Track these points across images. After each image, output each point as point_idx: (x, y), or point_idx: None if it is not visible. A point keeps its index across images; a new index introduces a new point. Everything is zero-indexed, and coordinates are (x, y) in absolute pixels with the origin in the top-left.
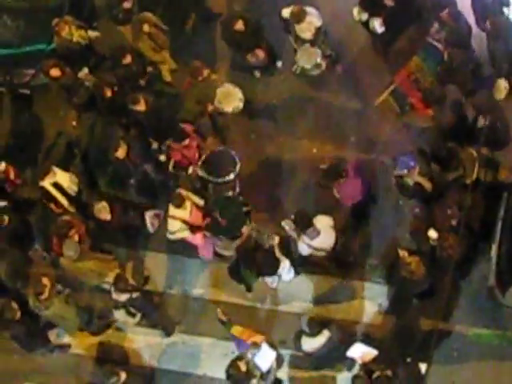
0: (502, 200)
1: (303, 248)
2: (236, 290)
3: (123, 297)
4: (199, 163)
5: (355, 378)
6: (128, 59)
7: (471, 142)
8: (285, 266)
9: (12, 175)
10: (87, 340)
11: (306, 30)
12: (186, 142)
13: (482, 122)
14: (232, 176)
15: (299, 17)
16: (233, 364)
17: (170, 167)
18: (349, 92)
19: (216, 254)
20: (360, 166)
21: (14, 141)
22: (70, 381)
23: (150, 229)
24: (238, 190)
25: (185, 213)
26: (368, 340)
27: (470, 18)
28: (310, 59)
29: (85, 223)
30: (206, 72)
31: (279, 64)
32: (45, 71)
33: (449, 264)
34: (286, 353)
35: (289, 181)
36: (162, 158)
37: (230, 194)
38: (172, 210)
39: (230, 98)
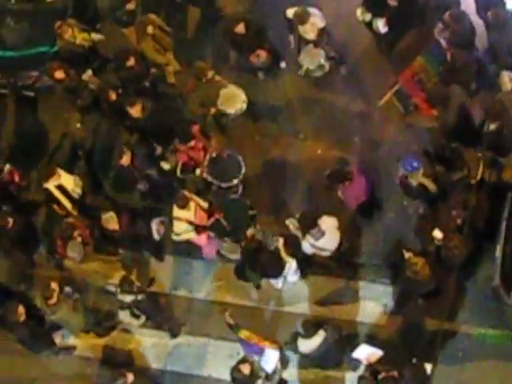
0: (507, 200)
1: (306, 247)
2: (241, 291)
3: (128, 298)
4: (205, 165)
5: (361, 378)
6: (131, 61)
7: (476, 142)
8: (291, 267)
9: (17, 177)
10: (92, 342)
11: (309, 31)
12: (192, 143)
13: (490, 126)
14: (236, 181)
15: (302, 18)
16: (237, 367)
17: (178, 171)
18: (353, 93)
19: (219, 253)
20: (364, 167)
21: (19, 143)
22: (75, 383)
23: (156, 236)
24: (240, 192)
25: (189, 214)
26: (373, 341)
27: (474, 17)
28: (313, 60)
29: (88, 225)
30: (210, 73)
31: (283, 65)
32: (49, 73)
33: (454, 264)
34: (291, 353)
35: (293, 182)
36: (166, 166)
37: (236, 196)
38: (176, 212)
39: (234, 100)
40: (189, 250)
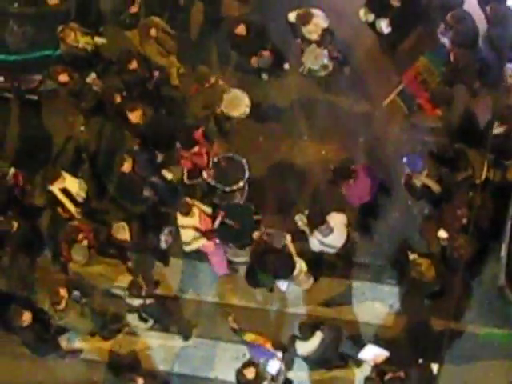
0: (511, 199)
1: (314, 244)
2: (247, 292)
3: (136, 302)
4: (209, 169)
5: (367, 379)
6: (134, 64)
7: (480, 142)
8: (301, 269)
9: (21, 181)
10: (98, 345)
11: (312, 31)
12: (196, 148)
13: (497, 130)
14: (241, 184)
15: (305, 19)
16: (241, 371)
17: (185, 179)
18: (356, 93)
19: (229, 265)
20: (370, 168)
21: (23, 147)
22: None
23: (164, 245)
24: (245, 194)
25: (194, 220)
26: (379, 341)
27: (476, 15)
28: (316, 60)
29: (93, 229)
30: (213, 78)
31: (286, 66)
32: (53, 77)
33: (459, 264)
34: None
35: (298, 183)
36: (169, 176)
37: (240, 201)
38: (181, 220)
39: (238, 104)
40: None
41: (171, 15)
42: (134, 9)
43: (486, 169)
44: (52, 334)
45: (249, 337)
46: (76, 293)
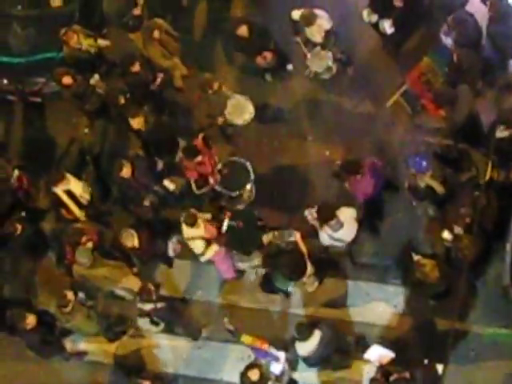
0: None
1: (324, 238)
2: (251, 294)
3: (148, 306)
4: (215, 176)
5: (372, 380)
6: (137, 67)
7: (484, 142)
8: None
9: (25, 183)
10: (104, 347)
11: (316, 33)
12: (199, 158)
13: (502, 133)
14: (248, 187)
15: (309, 20)
16: (245, 373)
17: (194, 189)
18: (360, 94)
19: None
20: (377, 163)
21: (27, 149)
22: None
23: (171, 254)
24: (253, 196)
25: (200, 230)
26: (384, 342)
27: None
28: (321, 63)
29: (97, 231)
30: (216, 85)
31: (290, 67)
32: (56, 79)
33: (463, 264)
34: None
35: (302, 183)
36: (171, 187)
37: (243, 206)
38: (187, 232)
39: (242, 111)
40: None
41: (174, 17)
42: (137, 11)
43: (490, 169)
44: (56, 337)
45: (245, 339)
46: (81, 295)
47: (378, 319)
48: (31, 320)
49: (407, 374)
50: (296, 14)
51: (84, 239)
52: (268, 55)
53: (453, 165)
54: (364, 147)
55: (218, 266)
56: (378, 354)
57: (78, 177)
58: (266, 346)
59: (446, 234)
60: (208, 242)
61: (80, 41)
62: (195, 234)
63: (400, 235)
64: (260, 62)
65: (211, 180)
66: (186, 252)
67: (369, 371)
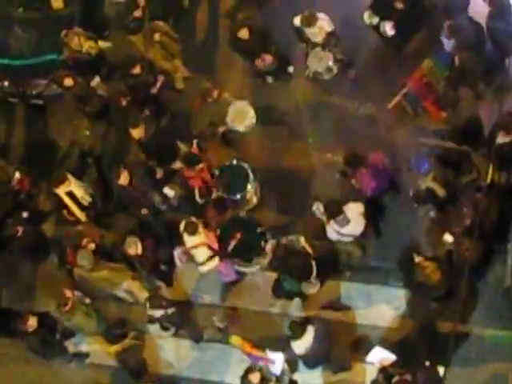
0: None
1: (332, 234)
2: (251, 296)
3: (158, 313)
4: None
5: (374, 382)
6: (137, 69)
7: (485, 145)
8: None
9: (27, 185)
10: (105, 349)
11: (316, 34)
12: (201, 165)
13: (503, 139)
14: (249, 188)
15: (310, 21)
16: (246, 376)
17: (198, 198)
18: (361, 96)
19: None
20: (379, 159)
21: (28, 151)
22: None
23: (178, 264)
24: (259, 195)
25: (201, 238)
26: (386, 344)
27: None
28: (321, 62)
29: (98, 233)
30: (215, 93)
31: (291, 69)
32: (57, 81)
33: (465, 267)
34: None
35: (303, 185)
36: (171, 193)
37: (248, 209)
38: (189, 241)
39: (243, 117)
40: None
41: (175, 19)
42: (137, 13)
43: (491, 171)
44: (58, 339)
45: (234, 340)
46: (77, 293)
47: (379, 321)
48: (32, 322)
49: (409, 376)
50: (297, 20)
51: (85, 242)
52: (267, 58)
53: (454, 167)
54: (365, 149)
55: (218, 270)
56: (380, 356)
57: (80, 179)
58: (255, 350)
59: (447, 237)
60: (211, 251)
61: (81, 43)
62: (197, 242)
63: (402, 237)
64: (259, 64)
65: (214, 188)
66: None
67: (370, 373)
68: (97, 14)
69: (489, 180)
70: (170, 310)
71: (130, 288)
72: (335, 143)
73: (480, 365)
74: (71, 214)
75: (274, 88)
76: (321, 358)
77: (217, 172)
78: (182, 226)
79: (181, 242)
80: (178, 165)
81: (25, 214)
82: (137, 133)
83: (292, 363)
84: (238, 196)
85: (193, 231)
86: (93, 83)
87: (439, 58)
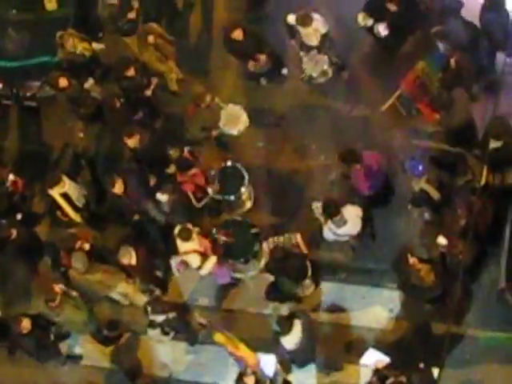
0: (511, 203)
1: (328, 234)
2: (246, 298)
3: (160, 318)
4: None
5: None
6: (132, 71)
7: (479, 147)
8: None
9: (20, 186)
10: (99, 351)
11: (311, 36)
12: (193, 170)
13: (495, 144)
14: (243, 189)
15: (305, 21)
16: (241, 379)
17: (195, 203)
18: (355, 98)
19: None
20: (376, 155)
21: (22, 153)
22: None
23: (176, 273)
24: (253, 197)
25: (194, 243)
26: (380, 346)
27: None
28: (316, 66)
29: (92, 235)
30: (208, 98)
31: (285, 71)
32: (52, 83)
33: (459, 269)
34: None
35: (297, 188)
36: (164, 198)
37: (244, 211)
38: (182, 247)
39: (235, 121)
40: None
41: (169, 21)
42: (131, 15)
43: (485, 173)
44: (52, 341)
45: (218, 337)
46: (63, 287)
47: (373, 323)
48: (26, 324)
49: (403, 378)
50: (291, 19)
51: (79, 244)
52: (261, 58)
53: (449, 168)
54: (360, 151)
55: (213, 272)
56: (374, 357)
57: (74, 180)
58: (238, 350)
59: (441, 240)
60: (203, 255)
61: (75, 44)
62: (189, 248)
63: (396, 239)
64: (252, 66)
65: (209, 190)
66: None
67: (365, 375)
68: (90, 15)
69: (483, 182)
70: (171, 315)
71: (125, 291)
72: (329, 145)
73: (474, 366)
74: (65, 215)
75: (268, 90)
76: (310, 353)
77: (212, 173)
78: (176, 231)
79: (176, 251)
80: (171, 169)
81: (19, 216)
82: (132, 142)
83: (284, 363)
84: (232, 197)
85: (187, 237)
86: (86, 85)
87: (433, 60)
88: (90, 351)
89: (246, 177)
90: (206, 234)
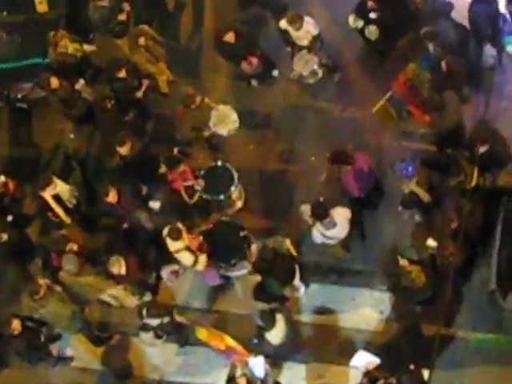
0: (502, 205)
1: (317, 237)
2: (236, 300)
3: (155, 322)
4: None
5: None
6: (123, 73)
7: (469, 148)
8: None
9: (12, 188)
10: (90, 352)
11: (302, 37)
12: (182, 167)
13: (482, 148)
14: (233, 188)
15: (295, 20)
16: (233, 381)
17: (187, 199)
18: (346, 100)
19: (222, 277)
20: (366, 157)
21: (13, 155)
22: None
23: (168, 283)
24: (243, 198)
25: (184, 242)
26: (370, 347)
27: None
28: (306, 65)
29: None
30: (198, 99)
31: (276, 73)
32: (43, 84)
33: (449, 270)
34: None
35: (287, 189)
36: (156, 205)
37: (234, 211)
38: (173, 246)
39: (225, 121)
40: None
41: (160, 22)
42: (122, 17)
43: (476, 175)
44: (43, 342)
45: (200, 333)
46: (46, 280)
47: (363, 325)
48: (16, 325)
49: (393, 380)
50: (284, 24)
51: (69, 246)
52: (253, 60)
53: (440, 169)
54: (350, 152)
55: (202, 273)
56: (364, 359)
57: (65, 182)
58: (224, 342)
59: (431, 242)
60: (194, 253)
61: (66, 44)
62: (180, 246)
63: (386, 240)
64: (245, 67)
65: (197, 186)
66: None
67: (355, 377)
68: (81, 17)
69: (474, 183)
70: (166, 319)
71: (116, 293)
72: (319, 147)
73: (465, 368)
74: (57, 216)
75: (259, 91)
76: (294, 347)
77: (202, 172)
78: (165, 231)
79: (167, 261)
80: (162, 169)
81: (9, 218)
82: (124, 150)
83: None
84: (222, 197)
85: (176, 236)
86: (77, 86)
87: (424, 62)
88: (80, 353)
89: (236, 176)
90: (195, 232)
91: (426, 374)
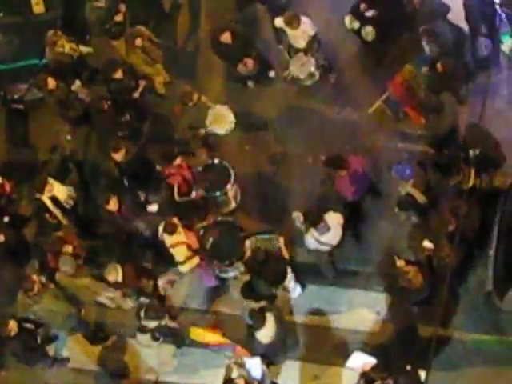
0: (498, 205)
1: (311, 243)
2: (233, 301)
3: (153, 324)
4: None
5: None
6: (119, 73)
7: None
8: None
9: (8, 189)
10: (86, 353)
11: (299, 38)
12: (178, 160)
13: (472, 152)
14: (229, 186)
15: (292, 21)
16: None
17: (176, 196)
18: (343, 101)
19: (218, 278)
20: (361, 160)
21: (9, 156)
22: None
23: (162, 292)
24: (239, 197)
25: (181, 236)
26: (367, 348)
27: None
28: (303, 68)
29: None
30: (195, 97)
31: (272, 74)
32: (40, 85)
33: (446, 271)
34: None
35: (284, 190)
36: (154, 208)
37: (229, 209)
38: (169, 240)
39: (222, 120)
40: None
41: (156, 23)
42: (118, 17)
43: (473, 176)
44: (39, 343)
45: (194, 333)
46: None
47: (360, 326)
48: (13, 326)
49: (390, 381)
50: (279, 22)
51: (65, 248)
52: (249, 62)
53: (441, 169)
54: (346, 153)
55: (199, 274)
56: (361, 360)
57: (62, 183)
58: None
59: (427, 243)
60: (190, 248)
61: (63, 44)
62: (176, 241)
63: (383, 242)
64: (241, 69)
65: (193, 194)
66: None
67: (351, 378)
68: (78, 18)
69: (471, 184)
70: (164, 321)
71: (112, 296)
72: (316, 148)
73: (462, 369)
74: (54, 217)
75: (255, 92)
76: (284, 346)
77: (199, 169)
78: (161, 227)
79: (164, 270)
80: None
81: (6, 219)
82: (118, 156)
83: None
84: (218, 193)
85: (172, 231)
86: (73, 87)
87: (420, 63)
88: (77, 354)
89: (233, 174)
90: (192, 227)
91: (422, 374)
